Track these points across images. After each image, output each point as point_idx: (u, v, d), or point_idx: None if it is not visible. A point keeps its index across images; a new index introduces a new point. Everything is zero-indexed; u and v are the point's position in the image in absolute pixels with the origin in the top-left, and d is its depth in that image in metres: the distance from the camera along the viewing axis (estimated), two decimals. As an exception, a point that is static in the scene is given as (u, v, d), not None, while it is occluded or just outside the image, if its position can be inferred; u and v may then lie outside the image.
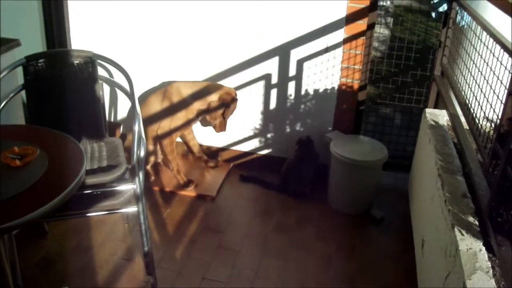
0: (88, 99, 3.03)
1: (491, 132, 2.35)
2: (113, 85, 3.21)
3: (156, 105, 3.70)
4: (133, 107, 2.84)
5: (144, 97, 3.80)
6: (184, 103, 3.64)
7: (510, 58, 2.05)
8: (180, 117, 3.65)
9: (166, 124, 3.67)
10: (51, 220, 2.97)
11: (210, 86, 3.66)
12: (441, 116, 3.24)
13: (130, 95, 2.92)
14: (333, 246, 3.25)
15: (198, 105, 3.64)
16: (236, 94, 3.68)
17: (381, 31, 5.54)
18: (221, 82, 3.83)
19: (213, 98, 3.61)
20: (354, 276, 2.99)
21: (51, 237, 3.14)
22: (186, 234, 3.27)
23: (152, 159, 3.83)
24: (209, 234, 3.29)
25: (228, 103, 3.61)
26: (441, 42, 3.50)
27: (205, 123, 3.92)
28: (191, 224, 3.37)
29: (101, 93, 3.06)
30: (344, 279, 2.98)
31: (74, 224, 3.25)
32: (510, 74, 2.01)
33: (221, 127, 3.71)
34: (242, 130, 3.92)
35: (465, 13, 3.04)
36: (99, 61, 3.04)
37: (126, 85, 2.96)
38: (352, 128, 3.83)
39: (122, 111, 4.11)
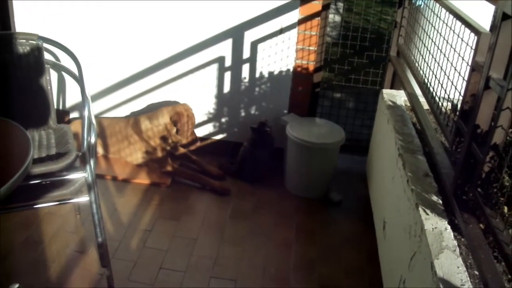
0: (34, 84, 2.88)
1: (452, 110, 2.32)
2: (61, 69, 3.06)
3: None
4: (82, 92, 2.70)
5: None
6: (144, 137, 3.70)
7: (472, 34, 2.02)
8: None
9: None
10: (-3, 213, 2.82)
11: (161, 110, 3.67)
12: (399, 97, 3.23)
13: (79, 79, 2.78)
14: (292, 231, 3.21)
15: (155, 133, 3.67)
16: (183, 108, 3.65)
17: (331, 16, 5.49)
18: (173, 66, 3.74)
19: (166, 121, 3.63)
20: (315, 261, 2.95)
21: (-2, 231, 2.99)
22: (141, 223, 3.17)
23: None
24: (164, 223, 3.20)
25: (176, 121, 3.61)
26: (396, 23, 3.47)
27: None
28: (146, 213, 3.27)
29: (48, 78, 2.93)
30: (305, 264, 2.94)
31: (23, 216, 3.10)
32: (473, 51, 1.98)
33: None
34: (196, 115, 3.82)
35: (422, -8, 3.02)
36: (45, 44, 2.89)
37: (74, 70, 2.82)
38: (307, 111, 3.80)
39: (71, 98, 3.94)
